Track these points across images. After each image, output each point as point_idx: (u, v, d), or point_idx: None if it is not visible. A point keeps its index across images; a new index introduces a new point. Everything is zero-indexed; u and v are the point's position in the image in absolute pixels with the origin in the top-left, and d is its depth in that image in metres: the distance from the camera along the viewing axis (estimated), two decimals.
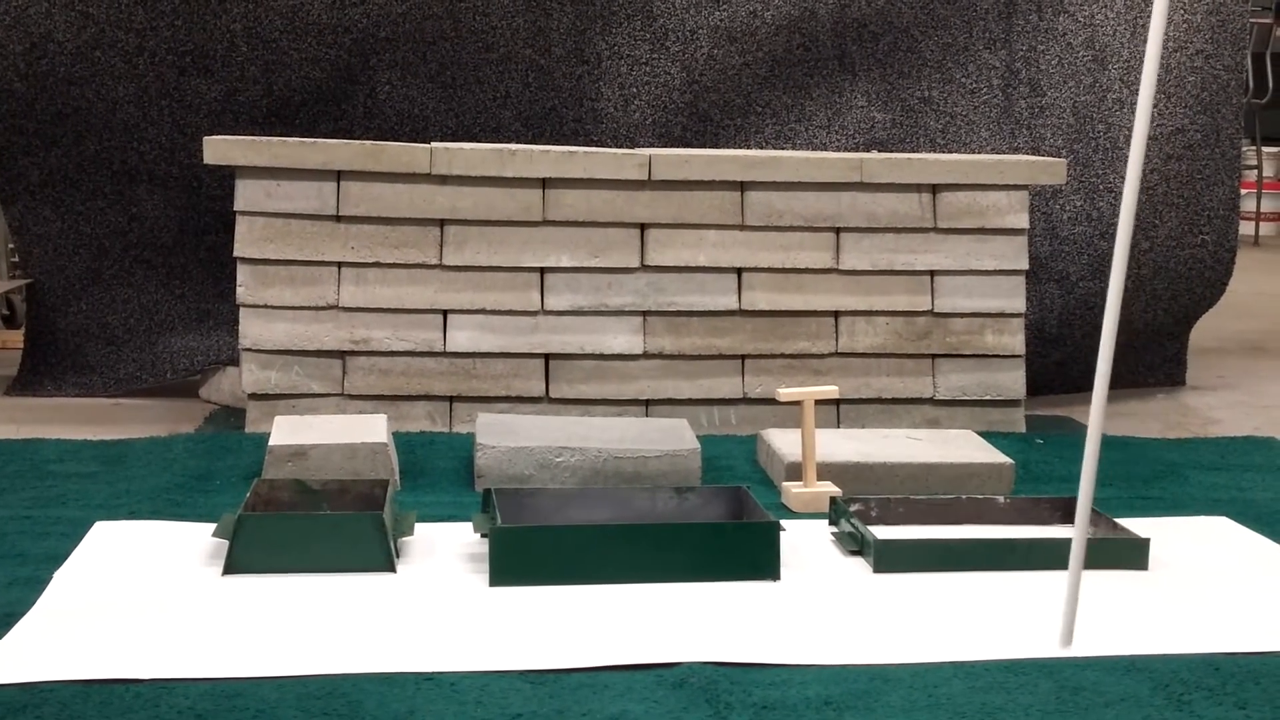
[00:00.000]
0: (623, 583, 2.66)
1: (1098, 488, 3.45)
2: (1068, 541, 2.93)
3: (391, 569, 2.73)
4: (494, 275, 3.90)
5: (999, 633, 2.47)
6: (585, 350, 3.94)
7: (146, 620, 2.45)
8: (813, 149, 4.41)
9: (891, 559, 2.79)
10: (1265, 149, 9.38)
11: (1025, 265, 4.05)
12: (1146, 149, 4.46)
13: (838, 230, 3.99)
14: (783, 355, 4.01)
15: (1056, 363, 4.55)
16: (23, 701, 2.10)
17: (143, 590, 2.61)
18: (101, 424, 4.01)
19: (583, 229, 3.91)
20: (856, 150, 4.40)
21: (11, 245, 5.00)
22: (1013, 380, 4.08)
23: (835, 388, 3.45)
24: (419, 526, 2.94)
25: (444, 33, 4.27)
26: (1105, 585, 2.73)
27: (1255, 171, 9.28)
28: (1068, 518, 3.13)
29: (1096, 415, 2.31)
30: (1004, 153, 4.44)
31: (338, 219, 3.86)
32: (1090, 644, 2.42)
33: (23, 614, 2.46)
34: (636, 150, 4.02)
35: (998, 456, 3.47)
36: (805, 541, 2.96)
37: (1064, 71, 4.49)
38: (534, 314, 3.92)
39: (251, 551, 2.70)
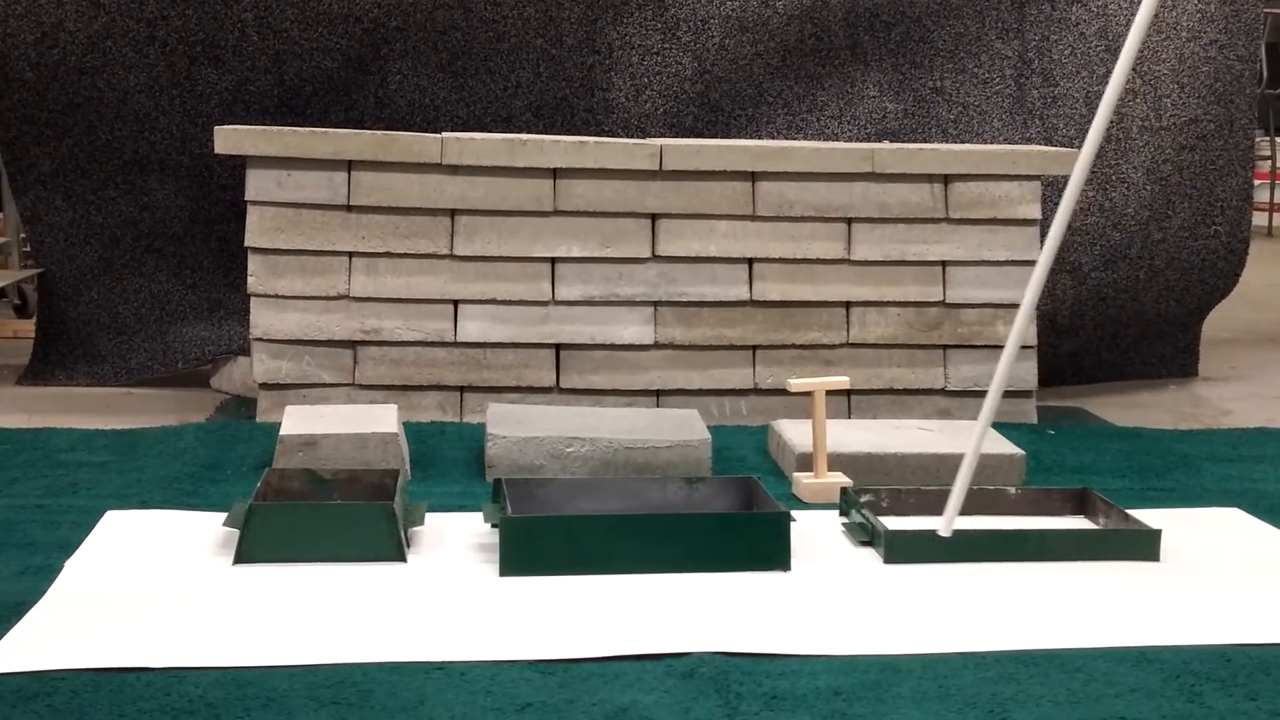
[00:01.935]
0: (633, 573, 2.66)
1: (1110, 479, 3.46)
2: (1079, 533, 2.94)
3: (402, 559, 2.73)
4: (505, 265, 3.90)
5: (1009, 624, 2.47)
6: (596, 340, 3.94)
7: (157, 609, 2.45)
8: (824, 139, 4.40)
9: (902, 550, 2.79)
10: (1279, 139, 9.35)
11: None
12: (1160, 140, 4.47)
13: (849, 220, 3.99)
14: (794, 346, 4.00)
15: (1068, 354, 4.54)
16: (34, 690, 2.11)
17: (153, 579, 2.62)
18: (113, 413, 4.02)
19: (594, 219, 3.91)
20: (868, 140, 4.39)
21: (23, 235, 5.01)
22: (1024, 371, 4.07)
23: (846, 378, 3.45)
24: (429, 516, 2.94)
25: (455, 22, 4.27)
26: (1117, 576, 2.72)
27: (1268, 162, 9.25)
28: (1080, 509, 3.13)
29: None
30: (1016, 143, 4.43)
31: (348, 209, 3.86)
32: (1102, 634, 2.42)
33: (34, 603, 2.46)
34: (648, 140, 4.02)
35: (1009, 447, 3.46)
36: (816, 532, 2.96)
37: (1077, 61, 4.47)
38: (545, 304, 3.92)
39: (262, 541, 2.70)
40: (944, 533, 2.72)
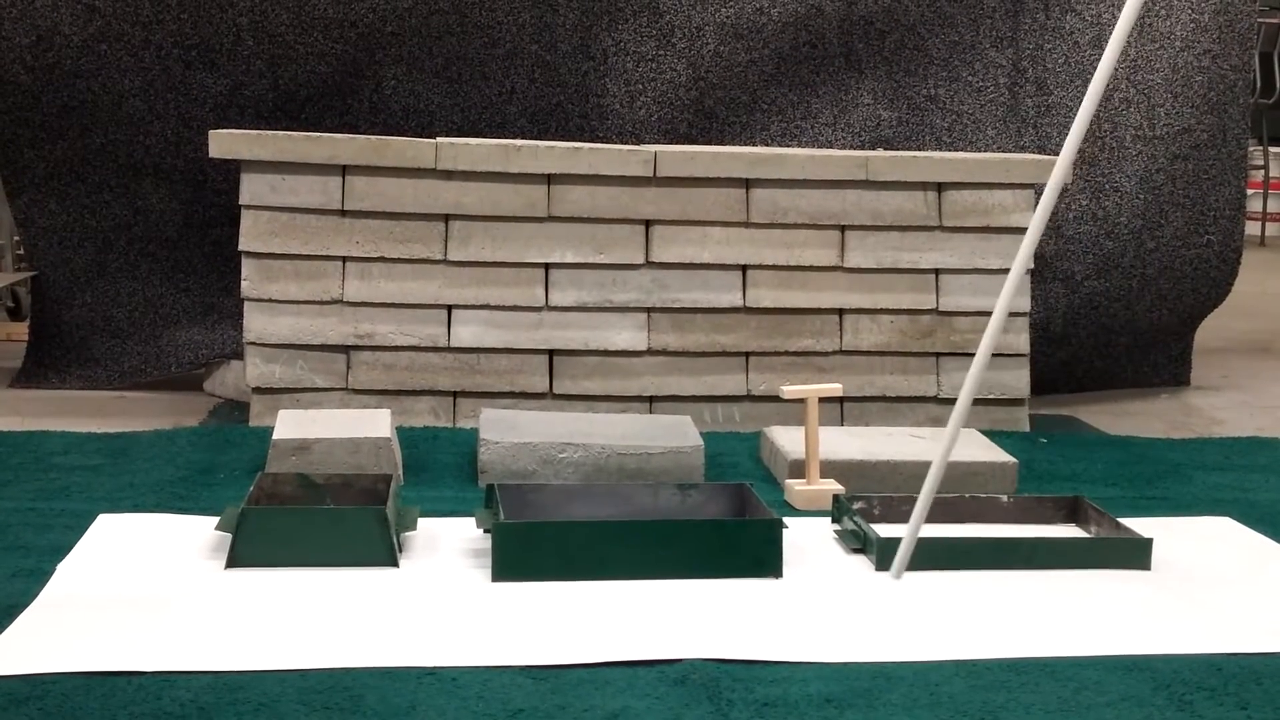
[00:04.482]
0: (625, 579, 2.66)
1: (1102, 487, 3.46)
2: (1071, 541, 2.95)
3: (394, 564, 2.73)
4: (498, 271, 3.90)
5: (1001, 631, 2.47)
6: (589, 346, 3.94)
7: (149, 613, 2.45)
8: (818, 146, 4.40)
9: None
10: (1271, 149, 9.37)
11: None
12: (1153, 149, 4.48)
13: (843, 228, 3.99)
14: (787, 353, 4.00)
15: (1061, 362, 4.55)
16: (25, 693, 2.11)
17: (145, 583, 2.62)
18: (106, 417, 4.02)
19: (587, 225, 3.91)
20: (862, 148, 4.40)
21: (17, 238, 5.01)
22: (1017, 379, 4.07)
23: (839, 385, 3.45)
24: (422, 521, 2.94)
25: (450, 28, 4.27)
26: (1108, 585, 2.73)
27: (1261, 172, 9.27)
28: (1071, 517, 3.13)
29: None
30: (1010, 151, 4.43)
31: (343, 213, 3.86)
32: (1093, 643, 2.42)
33: (26, 606, 2.46)
34: (642, 147, 4.02)
35: (1001, 455, 3.46)
36: (808, 539, 2.96)
37: (1070, 70, 4.48)
38: (538, 310, 3.92)
39: (254, 545, 2.70)
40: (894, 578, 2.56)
